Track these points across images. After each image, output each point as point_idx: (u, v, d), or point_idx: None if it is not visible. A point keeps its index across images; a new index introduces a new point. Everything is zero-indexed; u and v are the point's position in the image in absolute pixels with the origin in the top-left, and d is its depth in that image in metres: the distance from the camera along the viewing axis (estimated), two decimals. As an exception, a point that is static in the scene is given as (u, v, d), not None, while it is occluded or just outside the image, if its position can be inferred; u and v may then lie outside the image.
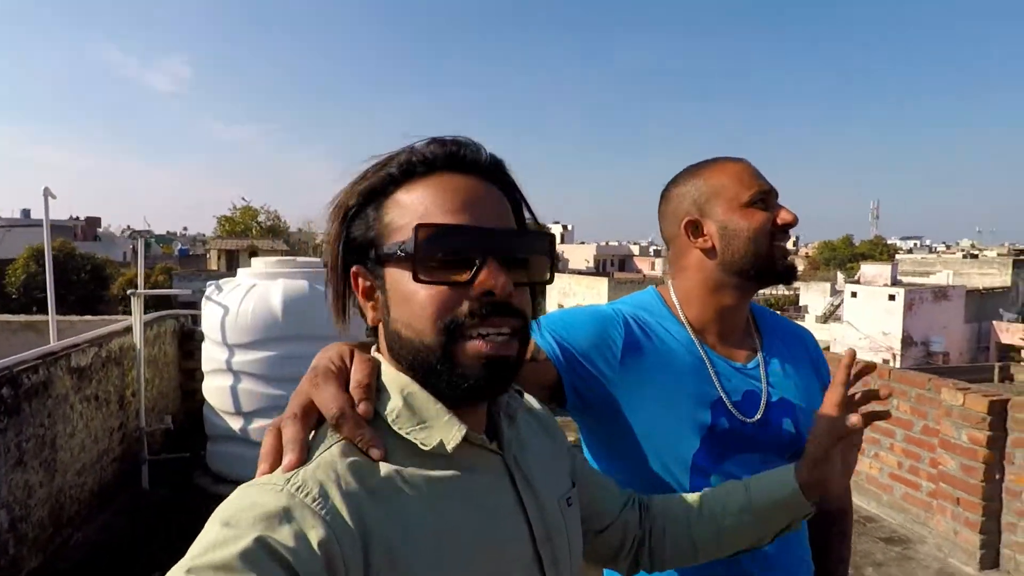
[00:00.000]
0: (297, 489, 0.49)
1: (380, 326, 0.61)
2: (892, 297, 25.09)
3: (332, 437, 0.55)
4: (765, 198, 0.95)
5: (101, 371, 3.81)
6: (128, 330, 4.18)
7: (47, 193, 3.45)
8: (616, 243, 64.55)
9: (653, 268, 45.52)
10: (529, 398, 0.77)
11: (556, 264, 0.64)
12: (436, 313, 0.54)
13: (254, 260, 4.28)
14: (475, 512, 0.57)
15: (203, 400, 4.10)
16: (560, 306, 33.57)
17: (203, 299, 4.05)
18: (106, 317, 6.05)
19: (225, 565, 0.43)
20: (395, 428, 0.56)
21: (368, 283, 0.60)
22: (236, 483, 0.53)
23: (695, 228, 0.98)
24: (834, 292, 30.81)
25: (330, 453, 0.53)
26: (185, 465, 4.20)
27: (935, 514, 3.37)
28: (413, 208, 0.57)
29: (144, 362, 4.23)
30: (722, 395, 0.94)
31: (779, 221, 0.93)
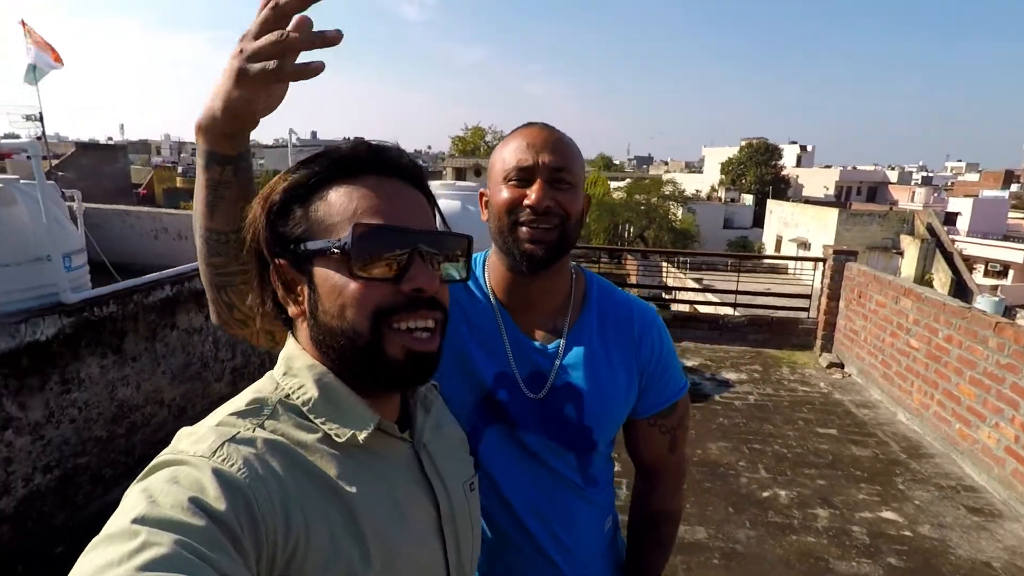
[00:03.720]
0: (223, 460, 0.50)
1: (300, 320, 0.62)
2: None
3: (252, 421, 0.56)
4: (522, 175, 0.88)
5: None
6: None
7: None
8: (870, 167, 54.25)
9: (912, 199, 37.22)
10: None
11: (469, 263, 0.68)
12: (368, 303, 0.57)
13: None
14: (384, 495, 0.60)
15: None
16: (778, 237, 29.61)
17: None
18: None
19: (166, 519, 0.44)
20: (310, 417, 0.58)
21: (291, 277, 0.61)
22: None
23: (486, 200, 0.96)
24: None
25: (254, 432, 0.54)
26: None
27: (1033, 494, 3.04)
28: (344, 207, 0.59)
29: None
30: (511, 367, 0.94)
31: (525, 202, 0.87)
